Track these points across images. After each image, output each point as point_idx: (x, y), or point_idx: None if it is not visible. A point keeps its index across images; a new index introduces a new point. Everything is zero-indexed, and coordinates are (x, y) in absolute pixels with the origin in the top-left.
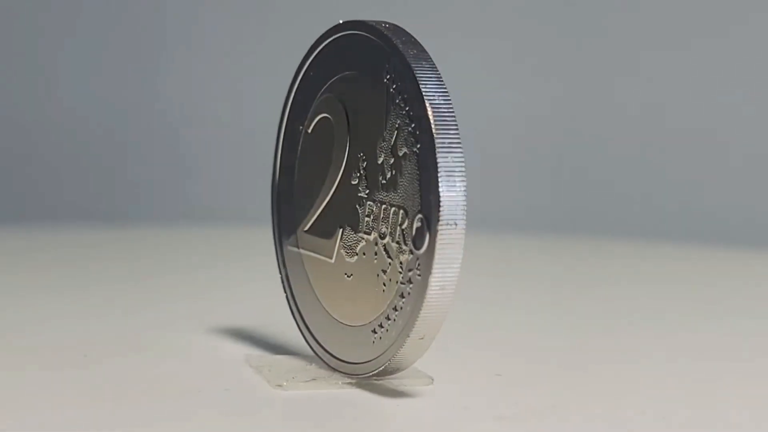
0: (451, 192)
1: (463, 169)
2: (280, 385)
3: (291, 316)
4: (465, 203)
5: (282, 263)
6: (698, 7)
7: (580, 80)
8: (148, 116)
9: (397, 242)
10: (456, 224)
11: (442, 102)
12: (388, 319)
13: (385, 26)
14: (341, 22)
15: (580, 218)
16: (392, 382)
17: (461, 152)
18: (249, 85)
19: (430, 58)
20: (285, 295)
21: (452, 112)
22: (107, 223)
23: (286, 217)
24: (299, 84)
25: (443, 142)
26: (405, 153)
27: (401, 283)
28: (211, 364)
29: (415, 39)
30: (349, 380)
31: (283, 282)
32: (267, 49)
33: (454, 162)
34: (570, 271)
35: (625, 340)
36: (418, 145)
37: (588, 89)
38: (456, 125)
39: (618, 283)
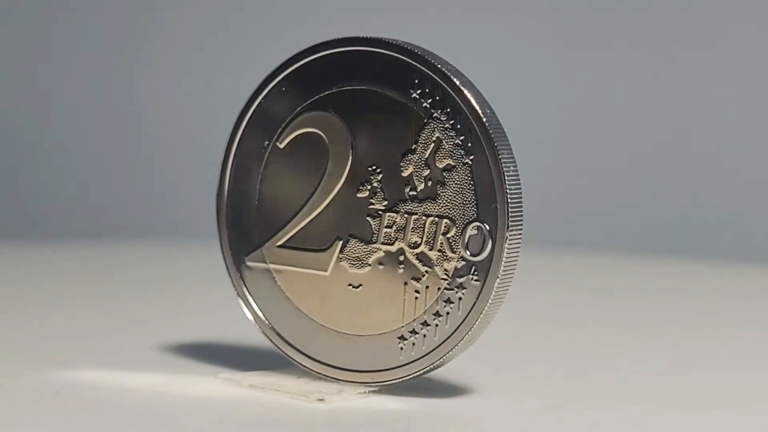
0: (515, 199)
1: (519, 177)
2: (321, 400)
3: (257, 332)
4: (522, 210)
5: (239, 280)
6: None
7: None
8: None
9: (440, 250)
10: (519, 230)
11: (491, 114)
12: (426, 324)
13: (404, 43)
14: (346, 37)
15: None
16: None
17: (515, 161)
18: (220, 101)
19: (463, 73)
20: (250, 313)
21: (500, 123)
22: (67, 239)
23: (242, 232)
24: (263, 100)
25: (503, 153)
26: (449, 165)
27: (446, 289)
28: (203, 388)
29: (438, 55)
30: (372, 388)
31: (245, 300)
32: (237, 68)
33: (514, 171)
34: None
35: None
36: (471, 157)
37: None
38: (506, 136)
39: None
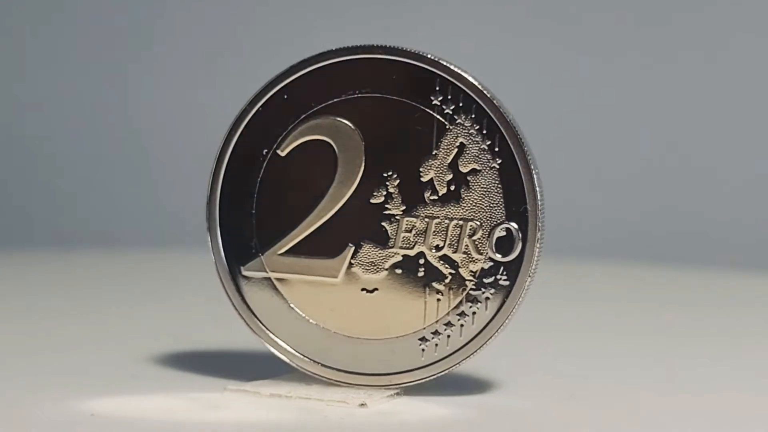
0: (541, 201)
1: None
2: (363, 405)
3: (254, 340)
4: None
5: (235, 291)
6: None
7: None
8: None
9: (465, 252)
10: (544, 230)
11: (513, 119)
12: (450, 325)
13: (420, 51)
14: (364, 45)
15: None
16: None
17: (536, 164)
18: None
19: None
20: (250, 323)
21: (520, 127)
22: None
23: (237, 241)
24: (261, 108)
25: (530, 156)
26: (474, 169)
27: (472, 290)
28: (227, 403)
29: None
30: (395, 390)
31: (240, 310)
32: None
33: (537, 173)
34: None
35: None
36: (499, 161)
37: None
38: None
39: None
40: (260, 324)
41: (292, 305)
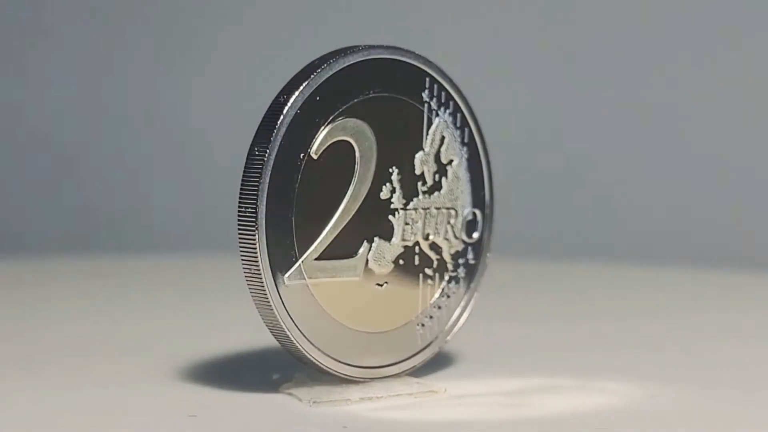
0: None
1: None
2: (446, 390)
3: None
4: None
5: (279, 304)
6: None
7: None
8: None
9: (446, 238)
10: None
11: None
12: (438, 308)
13: (416, 51)
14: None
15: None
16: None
17: None
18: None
19: None
20: (291, 338)
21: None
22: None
23: (277, 252)
24: (298, 112)
25: (487, 147)
26: (451, 160)
27: (452, 271)
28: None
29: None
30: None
31: (285, 325)
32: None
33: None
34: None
35: None
36: (468, 151)
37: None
38: None
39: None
40: (300, 332)
41: (324, 309)
